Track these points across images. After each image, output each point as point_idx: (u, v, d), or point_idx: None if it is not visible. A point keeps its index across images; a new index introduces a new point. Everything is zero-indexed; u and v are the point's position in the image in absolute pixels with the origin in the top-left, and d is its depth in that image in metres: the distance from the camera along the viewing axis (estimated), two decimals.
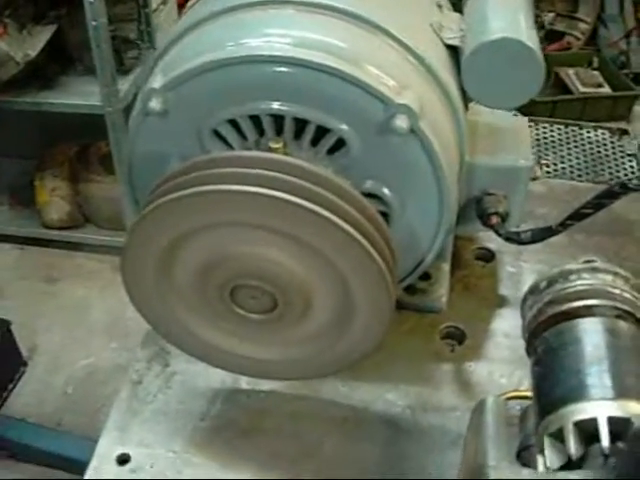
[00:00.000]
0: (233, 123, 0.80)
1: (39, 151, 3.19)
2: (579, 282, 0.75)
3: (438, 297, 1.07)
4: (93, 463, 0.88)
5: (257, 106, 0.78)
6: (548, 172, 1.78)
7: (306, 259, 0.71)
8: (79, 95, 2.63)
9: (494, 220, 1.00)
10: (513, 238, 0.97)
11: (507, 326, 1.05)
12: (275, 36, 0.77)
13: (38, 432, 2.14)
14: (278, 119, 0.79)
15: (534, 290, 0.78)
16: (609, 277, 0.75)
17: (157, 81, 0.79)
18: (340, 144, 0.80)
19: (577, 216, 0.89)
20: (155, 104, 0.79)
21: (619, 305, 0.72)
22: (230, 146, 0.82)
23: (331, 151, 0.81)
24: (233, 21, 0.80)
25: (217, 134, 0.81)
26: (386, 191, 0.83)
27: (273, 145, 0.79)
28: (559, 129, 1.91)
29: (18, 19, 2.57)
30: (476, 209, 1.02)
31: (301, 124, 0.79)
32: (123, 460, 0.89)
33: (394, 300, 0.74)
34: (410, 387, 0.96)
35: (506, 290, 1.13)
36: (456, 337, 1.05)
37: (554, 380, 0.69)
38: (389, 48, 0.80)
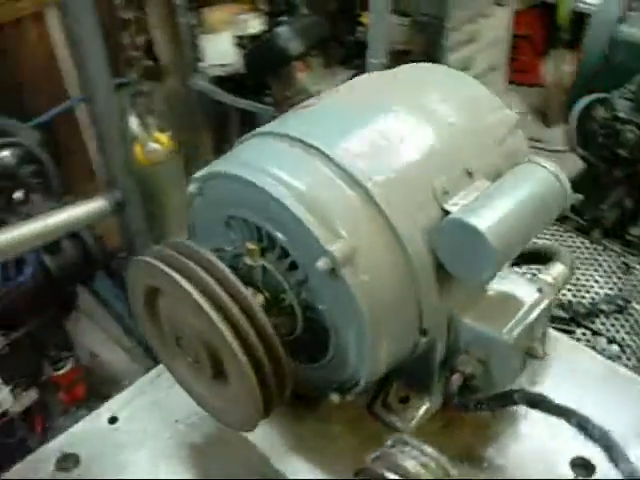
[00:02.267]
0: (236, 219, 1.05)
1: None
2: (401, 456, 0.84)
3: (406, 420, 1.17)
4: (92, 415, 1.23)
5: (244, 214, 1.01)
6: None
7: (212, 338, 0.93)
8: None
9: (455, 376, 1.07)
10: (453, 400, 1.04)
11: None
12: (269, 166, 0.98)
13: None
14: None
15: (385, 444, 0.90)
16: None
17: (201, 172, 1.08)
18: None
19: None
20: (193, 188, 1.08)
21: None
22: (237, 234, 1.07)
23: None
24: (253, 146, 1.05)
25: (228, 224, 1.07)
26: (327, 312, 1.00)
27: (250, 246, 1.02)
28: None
29: (326, 59, 3.05)
30: (454, 360, 1.10)
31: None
32: (113, 420, 1.22)
33: (261, 407, 0.93)
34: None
35: None
36: None
37: None
38: (360, 204, 0.96)
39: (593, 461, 1.13)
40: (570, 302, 1.77)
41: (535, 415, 1.18)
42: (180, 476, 1.13)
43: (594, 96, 2.21)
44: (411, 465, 0.81)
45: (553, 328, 1.64)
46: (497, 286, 1.11)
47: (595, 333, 1.71)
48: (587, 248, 1.93)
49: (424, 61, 3.13)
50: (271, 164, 1.00)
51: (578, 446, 1.14)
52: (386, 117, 1.08)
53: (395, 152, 1.03)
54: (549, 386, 1.25)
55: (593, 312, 1.74)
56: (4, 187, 2.35)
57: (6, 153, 2.28)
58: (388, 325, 0.99)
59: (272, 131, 1.07)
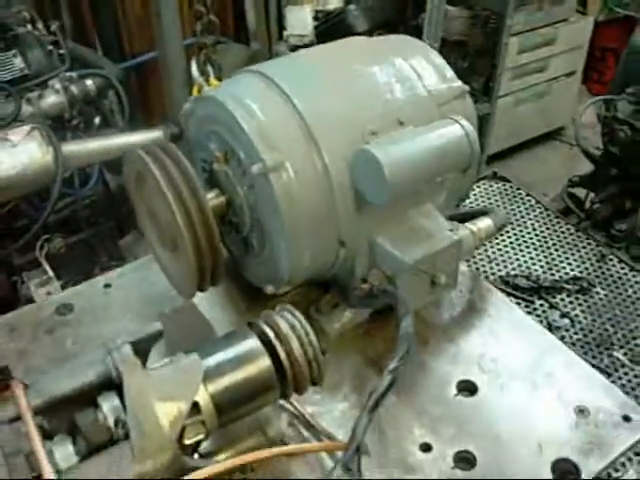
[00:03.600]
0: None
1: None
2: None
3: (332, 322, 1.42)
4: (90, 280, 1.56)
5: (218, 128, 1.29)
6: None
7: (169, 215, 1.22)
8: None
9: (363, 285, 1.31)
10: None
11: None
12: (239, 94, 1.26)
13: None
14: None
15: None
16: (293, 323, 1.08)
17: (195, 96, 1.37)
18: None
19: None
20: (186, 107, 1.37)
21: (272, 340, 1.05)
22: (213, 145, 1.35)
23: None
24: (237, 79, 1.33)
25: (208, 137, 1.35)
26: (264, 215, 1.26)
27: (217, 154, 1.30)
28: None
29: None
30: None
31: None
32: (107, 285, 1.54)
33: (195, 278, 1.22)
34: None
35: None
36: None
37: None
38: (300, 131, 1.22)
39: (477, 384, 1.34)
40: (538, 276, 1.94)
41: (439, 346, 1.42)
42: (145, 329, 1.43)
43: (601, 97, 2.33)
44: (282, 324, 1.07)
45: (514, 296, 1.85)
46: (417, 219, 1.34)
47: (552, 307, 1.87)
48: (571, 234, 2.08)
49: (481, 54, 3.32)
50: (242, 93, 1.27)
51: (466, 372, 1.36)
52: (344, 71, 1.33)
53: (340, 98, 1.28)
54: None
55: (556, 288, 1.90)
56: (85, 111, 2.74)
57: (90, 82, 2.66)
58: (309, 232, 1.24)
59: (253, 69, 1.34)
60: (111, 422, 0.95)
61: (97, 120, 2.83)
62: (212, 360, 1.02)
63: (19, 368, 1.38)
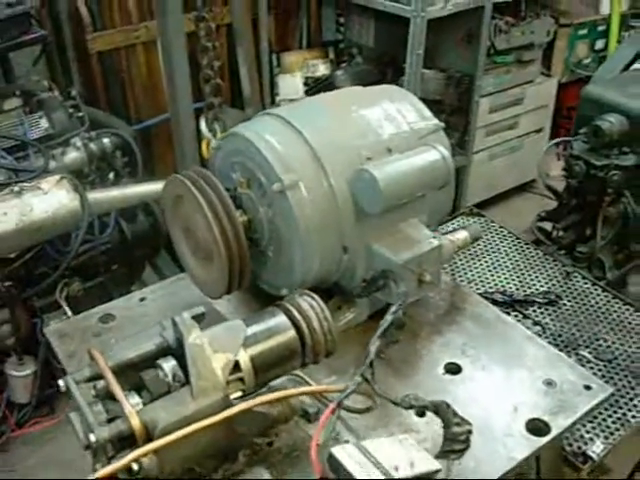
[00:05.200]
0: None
1: None
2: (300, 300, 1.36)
3: (337, 321, 1.67)
4: (127, 296, 1.81)
5: (241, 159, 1.59)
6: None
7: (205, 229, 1.49)
8: None
9: (364, 284, 1.59)
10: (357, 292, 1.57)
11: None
12: (259, 130, 1.56)
13: None
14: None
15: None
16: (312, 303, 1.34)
17: (222, 134, 1.67)
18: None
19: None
20: (214, 144, 1.67)
21: (296, 315, 1.31)
22: (236, 174, 1.64)
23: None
24: (257, 119, 1.63)
25: (232, 168, 1.64)
26: (282, 227, 1.54)
27: (241, 179, 1.59)
28: None
29: None
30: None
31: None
32: (142, 299, 1.80)
33: (227, 280, 1.48)
34: None
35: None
36: None
37: None
38: (309, 157, 1.51)
39: (461, 365, 1.60)
40: (512, 292, 2.22)
41: (428, 338, 1.68)
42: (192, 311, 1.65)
43: (559, 139, 2.68)
44: (303, 303, 1.33)
45: None
46: (405, 230, 1.62)
47: (525, 317, 2.14)
48: (539, 257, 2.37)
49: (456, 112, 3.70)
50: (262, 130, 1.58)
51: (452, 356, 1.62)
52: (343, 111, 1.64)
53: (341, 131, 1.59)
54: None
55: (528, 301, 2.18)
56: (101, 168, 3.05)
57: (106, 140, 2.98)
58: (318, 239, 1.52)
59: (267, 112, 1.65)
60: (170, 377, 1.20)
61: (111, 175, 3.13)
62: (250, 330, 1.28)
63: (71, 365, 1.62)
